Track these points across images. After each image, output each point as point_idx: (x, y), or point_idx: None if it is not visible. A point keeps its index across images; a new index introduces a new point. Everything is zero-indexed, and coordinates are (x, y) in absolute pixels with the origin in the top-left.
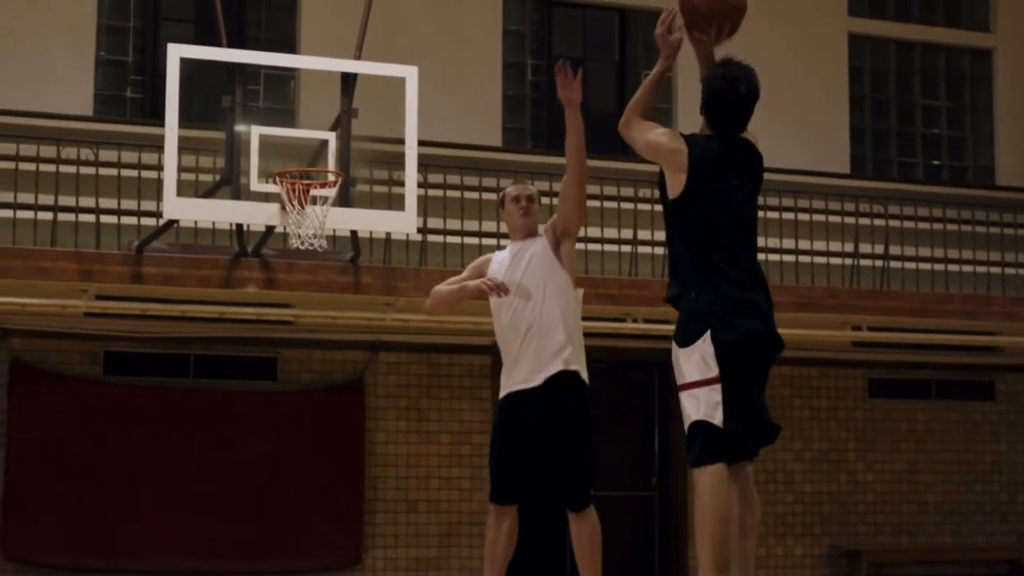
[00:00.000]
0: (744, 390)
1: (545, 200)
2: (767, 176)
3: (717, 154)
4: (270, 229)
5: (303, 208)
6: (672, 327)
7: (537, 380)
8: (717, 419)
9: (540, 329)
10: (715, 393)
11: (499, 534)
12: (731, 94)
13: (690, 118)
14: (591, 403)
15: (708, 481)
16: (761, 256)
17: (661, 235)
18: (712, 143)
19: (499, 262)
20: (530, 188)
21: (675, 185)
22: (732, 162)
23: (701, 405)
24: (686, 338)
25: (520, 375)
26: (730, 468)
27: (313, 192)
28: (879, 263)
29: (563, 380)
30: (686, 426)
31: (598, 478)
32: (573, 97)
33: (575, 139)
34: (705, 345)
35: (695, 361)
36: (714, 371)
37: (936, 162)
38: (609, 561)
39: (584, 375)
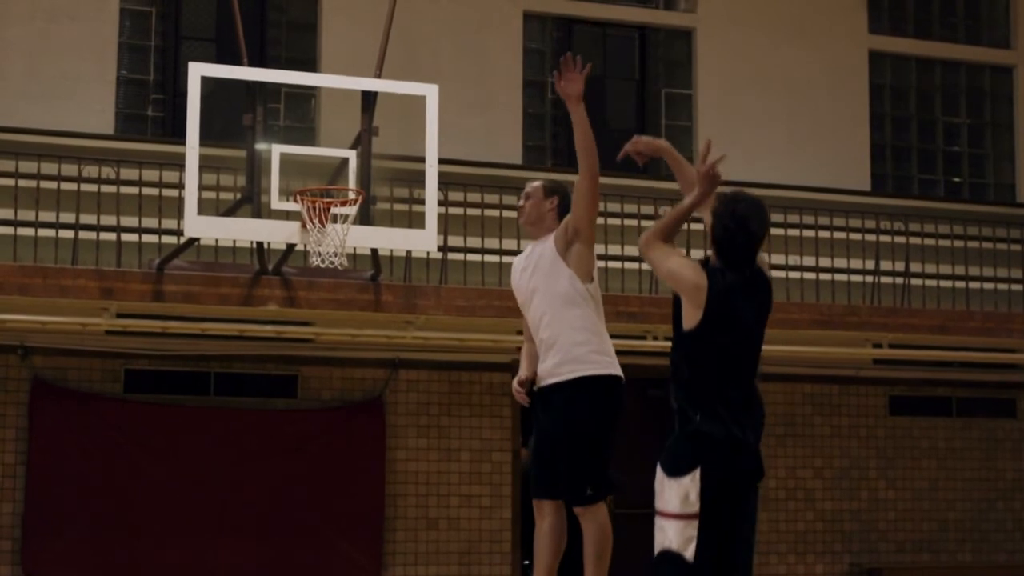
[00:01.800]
0: (722, 528)
1: None
2: (788, 193)
3: (734, 290)
4: (291, 247)
5: (323, 226)
6: None
7: (545, 382)
8: (688, 553)
9: (546, 337)
10: (691, 528)
11: (539, 533)
12: (741, 233)
13: (710, 131)
14: (596, 405)
15: None
16: (781, 273)
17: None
18: (729, 277)
19: (517, 268)
20: (531, 185)
21: (691, 317)
22: (747, 297)
23: (675, 537)
24: (675, 467)
25: (539, 374)
26: None
27: (333, 210)
28: (899, 280)
29: (563, 386)
30: (656, 550)
31: (601, 480)
32: (571, 91)
33: (578, 135)
34: (692, 483)
35: (679, 494)
36: (695, 509)
37: (956, 179)
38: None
39: (594, 372)
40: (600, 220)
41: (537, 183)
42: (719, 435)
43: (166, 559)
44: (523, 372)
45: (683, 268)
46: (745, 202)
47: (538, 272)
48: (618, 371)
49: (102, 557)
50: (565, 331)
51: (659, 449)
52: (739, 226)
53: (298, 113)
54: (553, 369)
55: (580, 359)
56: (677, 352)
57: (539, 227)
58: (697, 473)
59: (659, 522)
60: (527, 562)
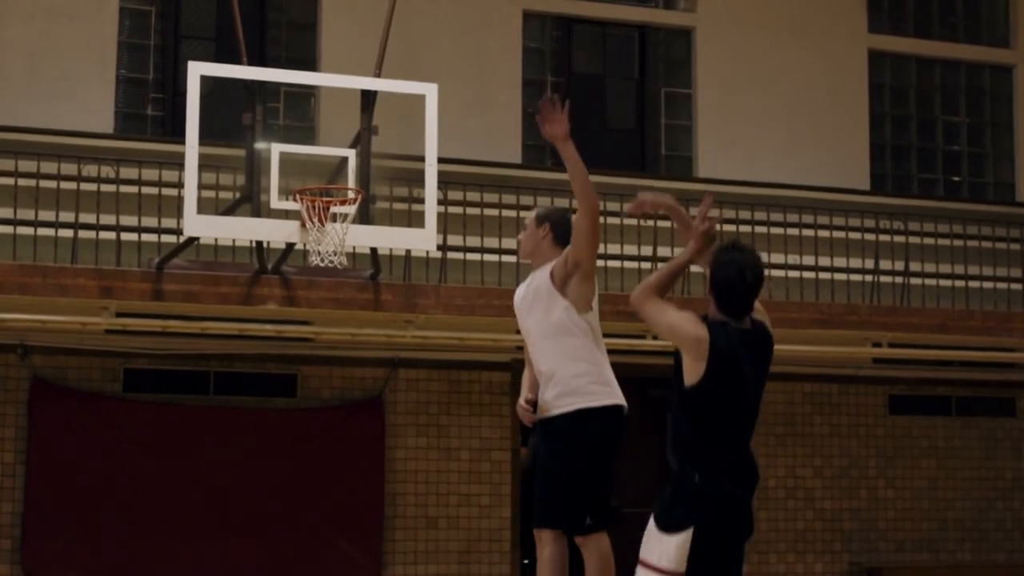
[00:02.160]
0: None
1: None
2: (788, 193)
3: (736, 343)
4: (290, 246)
5: (323, 225)
6: None
7: (546, 415)
8: None
9: (545, 370)
10: None
11: (540, 562)
12: (739, 282)
13: (710, 131)
14: (596, 436)
15: None
16: (780, 273)
17: (680, 251)
18: (730, 329)
19: (518, 297)
20: (526, 218)
21: (693, 372)
22: (749, 351)
23: None
24: (668, 524)
25: (540, 405)
26: None
27: (333, 209)
28: (899, 279)
29: (564, 418)
30: None
31: (602, 509)
32: (557, 132)
33: (573, 175)
34: (684, 542)
35: (667, 551)
36: (680, 569)
37: (956, 178)
38: None
39: (593, 404)
40: (599, 219)
41: (531, 214)
42: (717, 494)
43: (165, 558)
44: (526, 394)
45: (683, 321)
46: (741, 251)
47: (536, 304)
48: (618, 400)
49: (101, 556)
50: (564, 363)
51: (659, 448)
52: (737, 274)
53: (298, 112)
54: (553, 401)
55: (579, 390)
56: (678, 409)
57: (537, 257)
58: (690, 532)
59: (641, 572)
60: (526, 561)
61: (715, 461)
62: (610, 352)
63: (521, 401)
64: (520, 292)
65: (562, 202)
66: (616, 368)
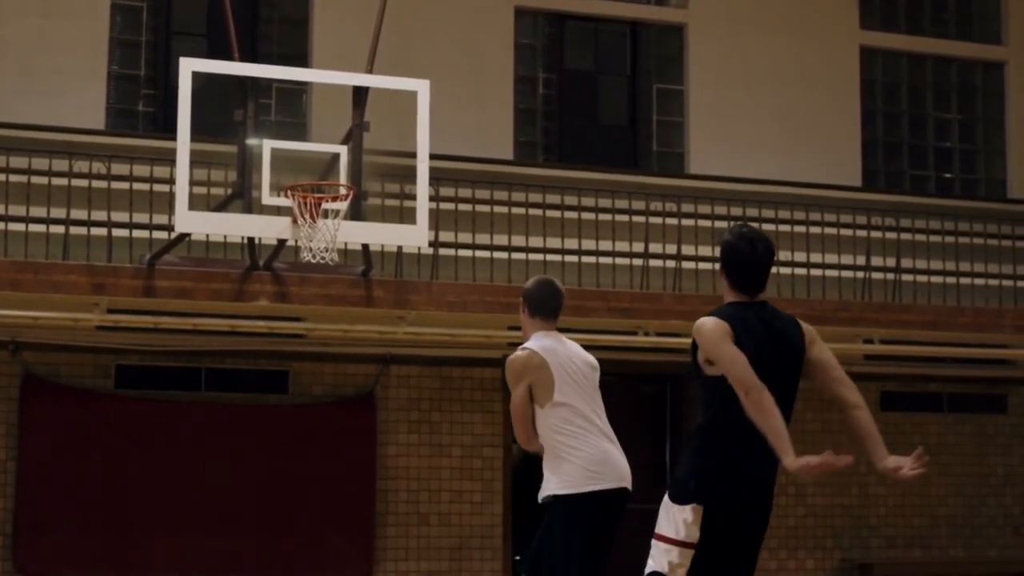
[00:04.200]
0: (717, 563)
1: (556, 213)
2: (780, 189)
3: (754, 322)
4: (282, 243)
5: (315, 222)
6: (684, 340)
7: None
8: None
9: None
10: (685, 558)
11: None
12: (749, 252)
13: (702, 127)
14: (564, 524)
15: None
16: (772, 269)
17: (672, 248)
18: (748, 311)
19: None
20: None
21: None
22: (769, 330)
23: (667, 560)
24: (680, 495)
25: None
26: None
27: (325, 206)
28: (891, 276)
29: (545, 508)
30: (646, 572)
31: None
32: None
33: None
34: (695, 513)
35: (679, 521)
36: (693, 539)
37: (948, 175)
38: (623, 574)
39: (554, 492)
40: (591, 216)
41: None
42: (729, 473)
43: (157, 554)
44: None
45: (724, 338)
46: (751, 228)
47: None
48: (579, 487)
49: (94, 552)
50: (546, 455)
51: (652, 445)
52: (748, 246)
53: (289, 108)
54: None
55: (548, 480)
56: (701, 394)
57: (524, 333)
58: (700, 506)
59: (655, 545)
60: (518, 557)
61: (738, 441)
62: (604, 349)
63: None
64: None
65: (553, 198)
66: (610, 365)
